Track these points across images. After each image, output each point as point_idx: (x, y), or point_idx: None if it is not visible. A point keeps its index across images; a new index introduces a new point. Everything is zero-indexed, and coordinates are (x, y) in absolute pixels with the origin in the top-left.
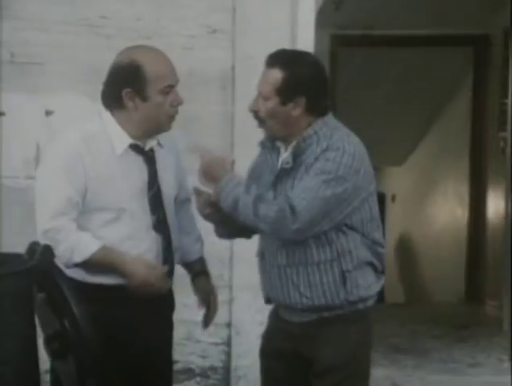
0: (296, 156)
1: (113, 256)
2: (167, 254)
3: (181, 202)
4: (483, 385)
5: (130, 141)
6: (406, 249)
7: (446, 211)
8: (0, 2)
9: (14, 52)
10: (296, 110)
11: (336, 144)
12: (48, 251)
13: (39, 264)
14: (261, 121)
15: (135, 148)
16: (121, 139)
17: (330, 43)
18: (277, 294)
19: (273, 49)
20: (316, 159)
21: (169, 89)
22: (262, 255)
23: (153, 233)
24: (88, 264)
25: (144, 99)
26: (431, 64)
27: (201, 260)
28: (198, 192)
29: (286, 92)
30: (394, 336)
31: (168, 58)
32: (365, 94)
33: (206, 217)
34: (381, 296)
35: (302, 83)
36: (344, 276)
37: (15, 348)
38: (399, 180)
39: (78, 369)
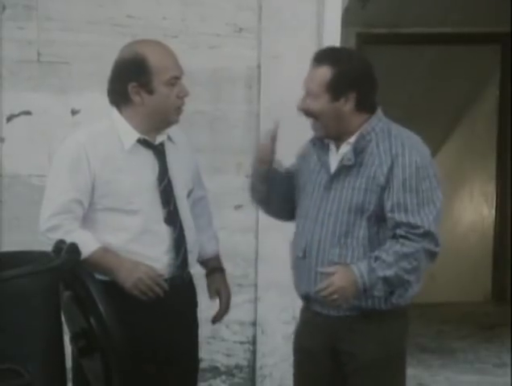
0: (357, 153)
1: (112, 259)
2: (179, 246)
3: (197, 199)
4: None
5: (137, 135)
6: None
7: (472, 211)
8: (27, 2)
9: (40, 52)
10: (347, 105)
11: (407, 146)
12: (74, 249)
13: (65, 262)
14: (314, 118)
15: (144, 142)
16: (129, 134)
17: (356, 42)
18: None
19: (299, 48)
20: (392, 164)
21: (174, 81)
22: (304, 252)
23: (164, 226)
24: (86, 263)
25: (150, 92)
26: (457, 63)
27: (216, 257)
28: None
29: (336, 87)
30: (421, 336)
31: (171, 50)
32: (391, 92)
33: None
34: None
35: (352, 77)
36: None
37: (42, 346)
38: None
39: (104, 366)
